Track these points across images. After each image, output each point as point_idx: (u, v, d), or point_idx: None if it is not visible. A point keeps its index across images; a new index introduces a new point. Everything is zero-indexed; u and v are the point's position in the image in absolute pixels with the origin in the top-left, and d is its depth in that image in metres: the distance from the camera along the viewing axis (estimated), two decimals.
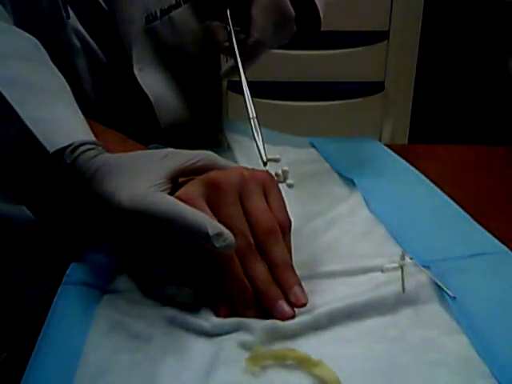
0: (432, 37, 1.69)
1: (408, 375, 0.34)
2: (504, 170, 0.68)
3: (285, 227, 0.41)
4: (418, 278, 0.41)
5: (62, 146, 0.43)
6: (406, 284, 0.40)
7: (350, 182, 0.59)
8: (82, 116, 0.47)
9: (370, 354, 0.35)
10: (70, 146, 0.43)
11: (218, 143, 0.73)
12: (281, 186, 0.44)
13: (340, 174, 0.61)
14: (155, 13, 0.64)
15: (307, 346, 0.35)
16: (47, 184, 0.46)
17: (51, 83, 0.49)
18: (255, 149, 0.49)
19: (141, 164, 0.42)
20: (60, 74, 0.51)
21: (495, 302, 0.40)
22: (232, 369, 0.33)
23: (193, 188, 0.40)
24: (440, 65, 1.76)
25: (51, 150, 0.43)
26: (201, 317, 0.38)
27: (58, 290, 0.41)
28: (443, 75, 1.77)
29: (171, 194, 0.40)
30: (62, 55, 0.61)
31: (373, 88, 1.72)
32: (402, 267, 0.42)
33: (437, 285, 0.41)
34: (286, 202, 0.43)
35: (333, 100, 1.68)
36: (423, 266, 0.43)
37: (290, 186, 0.59)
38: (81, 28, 0.61)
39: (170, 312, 0.38)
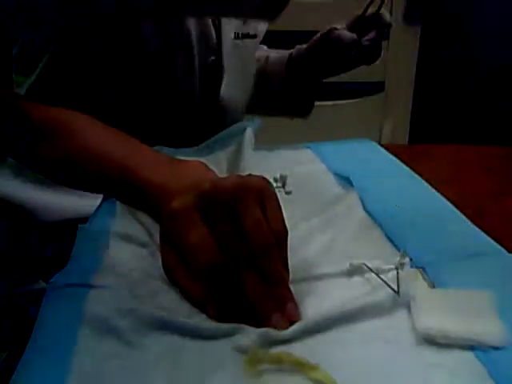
0: (432, 37, 1.69)
1: (406, 378, 0.34)
2: (503, 170, 0.68)
3: (281, 238, 0.40)
4: (414, 279, 0.41)
5: None
6: (402, 285, 0.40)
7: (346, 183, 0.59)
8: None
9: (367, 356, 0.35)
10: None
11: None
12: (278, 191, 0.44)
13: (336, 175, 0.62)
14: (240, 33, 0.78)
15: (304, 349, 0.35)
16: None
17: None
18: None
19: None
20: None
21: None
22: (228, 372, 0.33)
23: (187, 200, 0.40)
24: (440, 65, 1.76)
25: None
26: (195, 320, 0.38)
27: (44, 297, 0.41)
28: (443, 75, 1.77)
29: None
30: (166, 46, 0.67)
31: (373, 88, 1.72)
32: (397, 269, 0.42)
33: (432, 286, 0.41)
34: (282, 204, 0.42)
35: (333, 100, 1.68)
36: (419, 267, 0.43)
37: (288, 192, 0.59)
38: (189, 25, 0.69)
39: (163, 315, 0.38)
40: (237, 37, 0.77)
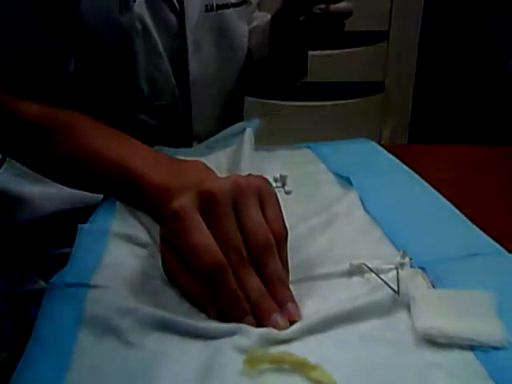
0: (432, 37, 1.69)
1: (406, 377, 0.34)
2: (503, 170, 0.68)
3: (280, 238, 0.40)
4: (414, 279, 0.41)
5: None
6: (401, 285, 0.40)
7: (345, 183, 0.59)
8: None
9: (367, 356, 0.35)
10: None
11: None
12: (278, 191, 0.44)
13: (336, 175, 0.62)
14: (213, 5, 0.74)
15: (304, 349, 0.35)
16: None
17: None
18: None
19: None
20: None
21: None
22: (229, 372, 0.33)
23: (187, 200, 0.40)
24: (440, 65, 1.76)
25: None
26: (195, 320, 0.38)
27: (44, 297, 0.41)
28: (443, 75, 1.77)
29: None
30: (122, 38, 0.66)
31: (373, 88, 1.72)
32: (397, 269, 0.42)
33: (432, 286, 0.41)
34: (282, 204, 0.42)
35: (333, 100, 1.68)
36: (419, 267, 0.43)
37: (288, 192, 0.59)
38: (145, 13, 0.66)
39: (163, 314, 0.38)
40: (210, 9, 0.74)
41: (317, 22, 0.73)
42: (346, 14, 0.72)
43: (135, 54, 0.67)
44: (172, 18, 0.70)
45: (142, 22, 0.67)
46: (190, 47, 0.72)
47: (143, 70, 0.69)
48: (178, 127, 0.75)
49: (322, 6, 0.71)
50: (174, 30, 0.71)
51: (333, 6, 0.71)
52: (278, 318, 0.37)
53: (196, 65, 0.74)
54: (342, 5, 0.71)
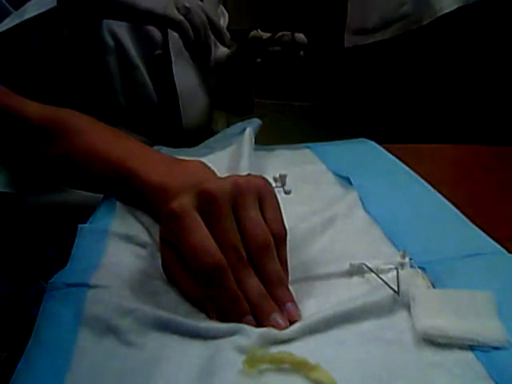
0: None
1: (406, 377, 0.34)
2: (503, 170, 0.68)
3: (280, 239, 0.41)
4: (414, 279, 0.41)
5: None
6: (401, 285, 0.40)
7: (345, 183, 0.59)
8: None
9: (367, 356, 0.35)
10: None
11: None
12: (277, 191, 0.44)
13: (336, 175, 0.62)
14: None
15: (304, 349, 0.35)
16: None
17: None
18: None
19: None
20: None
21: None
22: (229, 372, 0.33)
23: (186, 200, 0.40)
24: (439, 65, 1.76)
25: None
26: (195, 320, 0.38)
27: (44, 297, 0.41)
28: (442, 75, 1.77)
29: None
30: (95, 54, 0.66)
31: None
32: (397, 269, 0.42)
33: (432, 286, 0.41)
34: (282, 205, 0.42)
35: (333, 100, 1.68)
36: (419, 267, 0.43)
37: (287, 192, 0.59)
38: (115, 28, 0.67)
39: (163, 314, 0.38)
40: None
41: (273, 60, 0.78)
42: (302, 45, 0.77)
43: (108, 69, 0.68)
44: (154, 29, 0.71)
45: (116, 39, 0.67)
46: (174, 58, 0.74)
47: (119, 83, 0.69)
48: (166, 139, 0.75)
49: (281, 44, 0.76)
50: (155, 41, 0.72)
51: (297, 35, 0.76)
52: (278, 317, 0.37)
53: (181, 73, 0.75)
54: (301, 35, 0.77)
